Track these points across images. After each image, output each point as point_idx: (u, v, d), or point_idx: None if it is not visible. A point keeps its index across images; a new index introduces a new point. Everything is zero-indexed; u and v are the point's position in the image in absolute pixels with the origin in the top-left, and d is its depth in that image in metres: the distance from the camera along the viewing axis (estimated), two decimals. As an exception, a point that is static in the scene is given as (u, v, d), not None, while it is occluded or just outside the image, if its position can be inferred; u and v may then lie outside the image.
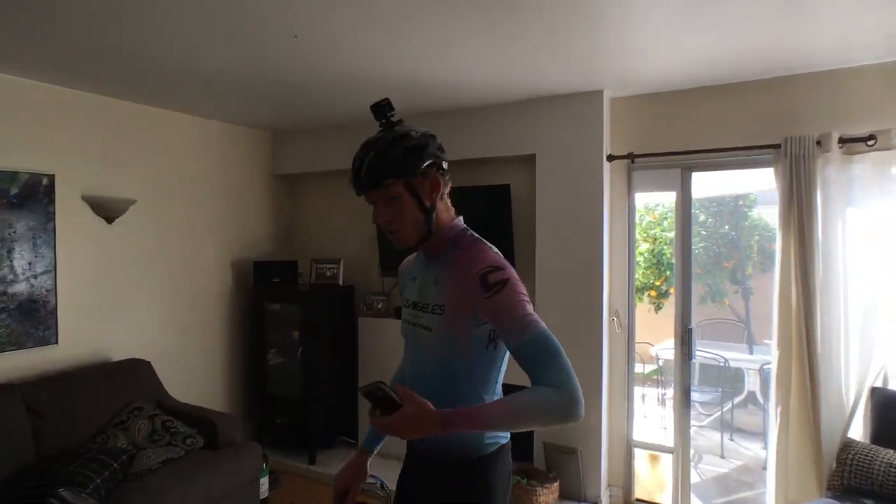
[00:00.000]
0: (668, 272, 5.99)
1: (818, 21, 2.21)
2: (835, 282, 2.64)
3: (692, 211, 3.31)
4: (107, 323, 3.36)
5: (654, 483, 3.51)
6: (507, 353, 1.23)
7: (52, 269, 3.07)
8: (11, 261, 2.92)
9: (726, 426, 4.61)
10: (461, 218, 1.32)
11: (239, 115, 3.91)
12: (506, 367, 1.31)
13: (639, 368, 4.91)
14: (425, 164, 1.20)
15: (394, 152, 1.18)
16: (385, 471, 1.97)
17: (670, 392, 4.95)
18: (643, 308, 5.43)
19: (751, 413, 4.96)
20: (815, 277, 2.64)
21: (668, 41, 2.47)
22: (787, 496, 2.70)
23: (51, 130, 3.08)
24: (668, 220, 6.09)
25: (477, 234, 1.30)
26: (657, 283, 5.95)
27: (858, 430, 2.60)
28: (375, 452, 1.50)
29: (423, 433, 1.06)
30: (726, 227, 5.87)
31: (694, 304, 6.00)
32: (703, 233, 5.88)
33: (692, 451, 3.49)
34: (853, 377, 2.63)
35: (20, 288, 2.95)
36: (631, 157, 3.28)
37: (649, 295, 5.84)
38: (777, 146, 2.80)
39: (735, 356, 4.68)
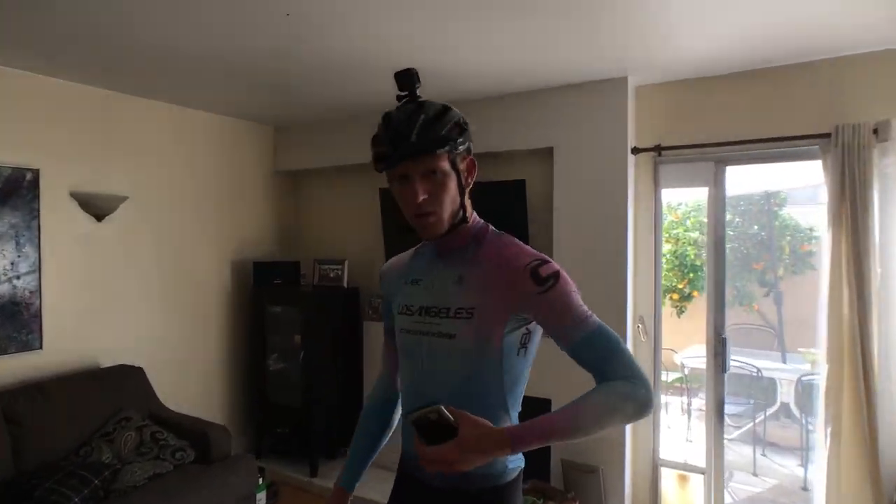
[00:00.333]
0: (690, 274, 5.72)
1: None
2: (894, 287, 2.34)
3: (708, 209, 3.01)
4: (96, 327, 3.17)
5: (683, 505, 3.22)
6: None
7: (37, 270, 2.89)
8: (-9, 260, 2.74)
9: (757, 440, 4.30)
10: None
11: (238, 107, 3.70)
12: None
13: (662, 376, 4.64)
14: (469, 144, 1.10)
15: (446, 120, 1.06)
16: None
17: (696, 402, 4.67)
18: (665, 312, 5.16)
19: (784, 426, 4.64)
20: (872, 282, 2.35)
21: (700, 20, 2.21)
22: (838, 526, 2.41)
23: (35, 122, 2.89)
24: (692, 219, 5.81)
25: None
26: (680, 286, 5.68)
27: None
28: (354, 493, 1.30)
29: (488, 460, 0.94)
30: (755, 226, 5.55)
31: (712, 306, 5.72)
32: (731, 233, 5.60)
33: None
34: (915, 395, 2.33)
35: (1, 289, 2.77)
36: (658, 149, 3.01)
37: (671, 298, 5.57)
38: (826, 136, 2.51)
39: (766, 365, 4.37)
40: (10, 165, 2.78)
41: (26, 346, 2.85)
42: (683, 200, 5.55)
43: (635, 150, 3.03)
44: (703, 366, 4.78)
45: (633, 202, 3.04)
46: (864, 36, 2.37)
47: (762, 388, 4.49)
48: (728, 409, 4.52)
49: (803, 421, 4.08)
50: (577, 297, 1.05)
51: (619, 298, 2.97)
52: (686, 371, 4.64)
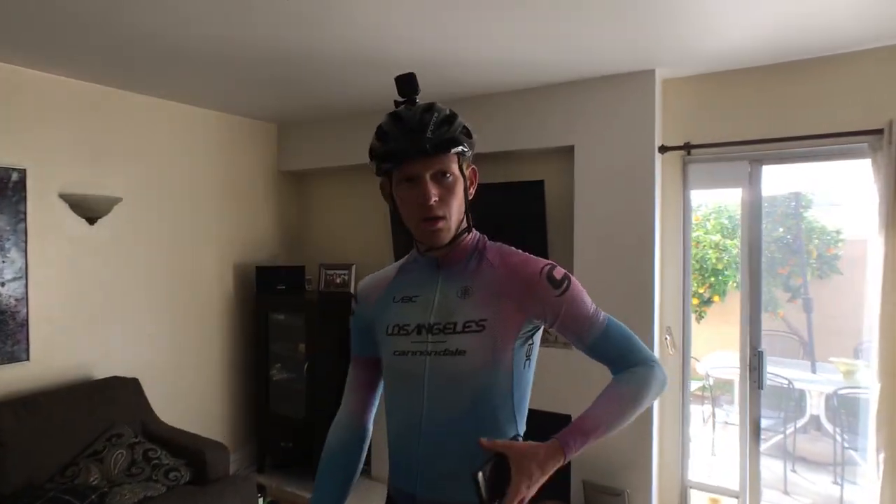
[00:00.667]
0: (711, 278, 5.52)
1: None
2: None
3: (742, 212, 2.80)
4: (88, 336, 2.99)
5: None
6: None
7: (23, 276, 2.72)
8: (-26, 267, 2.57)
9: (786, 454, 4.06)
10: None
11: (239, 103, 3.52)
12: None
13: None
14: (472, 151, 1.08)
15: (457, 122, 1.05)
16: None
17: (722, 414, 4.44)
18: (686, 318, 4.96)
19: (813, 439, 4.39)
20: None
21: (738, 6, 1.99)
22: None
23: (22, 120, 2.72)
24: (713, 221, 5.60)
25: None
26: (700, 291, 5.48)
27: None
28: None
29: (547, 476, 0.97)
30: (780, 229, 5.31)
31: (747, 316, 5.49)
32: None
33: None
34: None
35: (-15, 297, 2.60)
36: (687, 147, 2.80)
37: (691, 303, 5.37)
38: (877, 132, 2.29)
39: (794, 375, 4.12)
40: (-5, 165, 2.62)
41: (12, 358, 2.68)
42: (703, 202, 5.35)
43: (663, 149, 2.82)
44: (729, 376, 4.63)
45: (659, 204, 2.83)
46: (923, 21, 2.15)
47: (791, 400, 4.25)
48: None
49: (837, 436, 3.83)
50: (587, 296, 1.10)
51: (645, 308, 2.76)
52: (710, 381, 4.41)
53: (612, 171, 2.86)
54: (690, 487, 2.90)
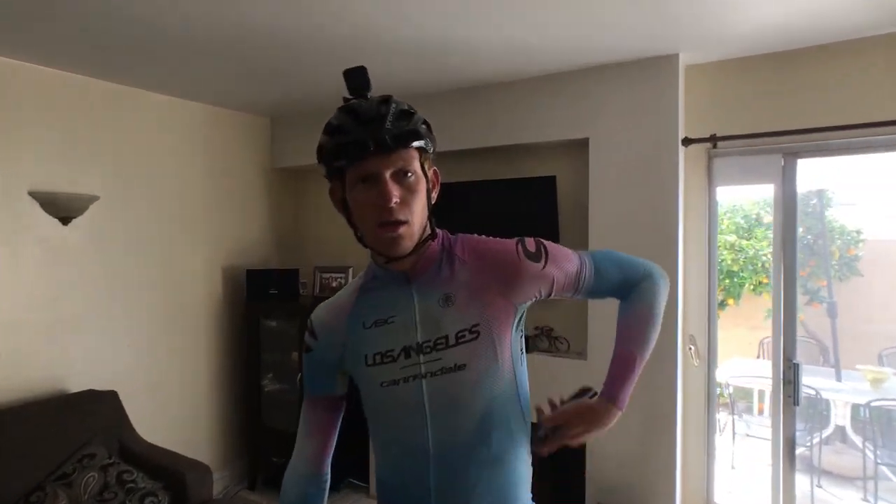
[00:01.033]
0: (726, 281, 5.32)
1: None
2: None
3: (775, 211, 2.56)
4: (61, 346, 2.77)
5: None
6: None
7: (-12, 282, 2.49)
8: (-68, 271, 2.34)
9: (810, 467, 3.82)
10: None
11: (229, 95, 3.29)
12: None
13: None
14: (435, 149, 0.99)
15: (417, 116, 0.96)
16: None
17: (742, 426, 4.21)
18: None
19: (839, 452, 4.14)
20: None
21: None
22: None
23: (-13, 110, 2.50)
24: (728, 221, 5.39)
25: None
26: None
27: None
28: None
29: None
30: (800, 229, 5.06)
31: (761, 318, 5.26)
32: (771, 236, 5.14)
33: None
34: None
35: (-56, 305, 2.37)
36: (713, 140, 2.56)
37: (717, 311, 5.21)
38: (933, 119, 2.04)
39: (818, 384, 3.88)
40: (-44, 160, 2.39)
41: (-25, 371, 2.45)
42: (718, 199, 5.14)
43: (686, 141, 2.58)
44: (749, 384, 4.39)
45: (682, 202, 2.59)
46: None
47: (814, 410, 4.01)
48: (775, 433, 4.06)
49: (868, 451, 3.59)
50: (563, 247, 1.07)
51: (667, 317, 2.46)
52: (730, 389, 4.17)
53: (631, 167, 2.63)
54: (717, 510, 2.67)
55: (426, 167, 0.97)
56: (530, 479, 1.06)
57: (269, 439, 3.53)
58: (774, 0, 1.95)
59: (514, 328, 1.01)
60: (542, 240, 1.05)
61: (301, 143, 3.79)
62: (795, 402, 2.44)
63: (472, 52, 2.49)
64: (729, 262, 5.29)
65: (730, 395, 4.19)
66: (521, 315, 1.03)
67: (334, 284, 3.56)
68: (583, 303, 2.71)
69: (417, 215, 0.94)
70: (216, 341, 3.54)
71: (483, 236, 1.07)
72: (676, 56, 2.51)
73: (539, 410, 1.04)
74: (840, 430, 4.07)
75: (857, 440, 3.87)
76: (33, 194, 2.63)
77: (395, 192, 0.91)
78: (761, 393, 4.45)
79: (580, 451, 2.68)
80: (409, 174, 0.92)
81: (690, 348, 2.64)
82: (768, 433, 3.56)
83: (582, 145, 2.80)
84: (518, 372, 1.02)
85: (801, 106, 2.41)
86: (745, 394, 4.55)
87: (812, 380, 3.93)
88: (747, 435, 4.09)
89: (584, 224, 2.76)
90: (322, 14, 2.07)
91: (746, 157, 2.57)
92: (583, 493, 2.71)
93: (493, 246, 1.04)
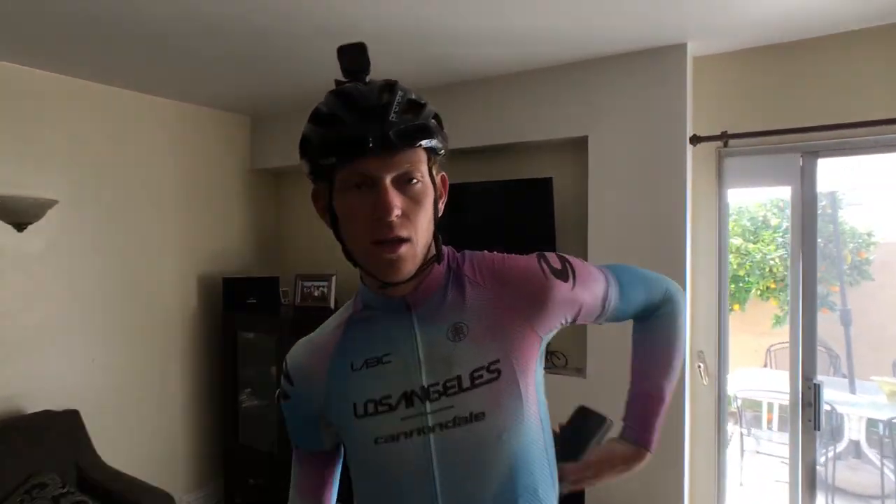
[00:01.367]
0: (731, 286, 5.13)
1: None
2: None
3: (793, 215, 2.34)
4: (14, 365, 2.55)
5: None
6: None
7: (-71, 295, 2.27)
8: None
9: (825, 484, 3.60)
10: None
11: (205, 91, 3.08)
12: None
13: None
14: (447, 150, 0.80)
15: (428, 108, 0.77)
16: None
17: (752, 442, 4.01)
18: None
19: (853, 468, 3.93)
20: None
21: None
22: None
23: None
24: (732, 223, 5.20)
25: None
26: (717, 300, 5.08)
27: None
28: None
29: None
30: (810, 231, 4.87)
31: (768, 325, 5.05)
32: (780, 239, 4.97)
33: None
34: None
35: None
36: (724, 137, 2.35)
37: (728, 324, 5.08)
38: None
39: (831, 396, 3.67)
40: None
41: (-87, 394, 2.24)
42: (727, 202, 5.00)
43: (695, 140, 2.37)
44: (758, 397, 4.19)
45: (690, 206, 2.38)
46: None
47: (830, 426, 3.80)
48: (777, 448, 3.86)
49: (888, 469, 3.38)
50: (587, 263, 0.92)
51: None
52: (738, 402, 3.96)
53: (634, 167, 2.43)
54: (729, 542, 2.45)
55: (434, 172, 0.80)
56: None
57: (246, 460, 3.33)
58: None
59: (539, 363, 0.85)
60: (566, 256, 0.91)
61: (283, 143, 3.61)
62: (816, 427, 2.22)
63: (461, 41, 2.28)
64: (735, 266, 5.12)
65: (738, 406, 3.98)
66: (546, 346, 0.88)
67: (316, 293, 3.34)
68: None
69: (422, 232, 0.77)
70: (190, 355, 3.33)
71: (495, 252, 0.91)
72: (684, 46, 2.31)
73: (559, 468, 0.90)
74: (854, 445, 3.86)
75: (873, 455, 3.67)
76: (-18, 198, 2.42)
77: (397, 203, 0.74)
78: (770, 405, 4.26)
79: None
80: (415, 180, 0.76)
81: (699, 366, 2.42)
82: (779, 450, 3.34)
83: (581, 144, 2.60)
84: (543, 417, 0.86)
85: (821, 100, 2.21)
86: (754, 405, 4.35)
87: (825, 392, 3.71)
88: (757, 452, 3.88)
89: (582, 231, 2.56)
90: (299, 7, 1.86)
91: (760, 156, 2.36)
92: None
93: (512, 263, 0.87)
